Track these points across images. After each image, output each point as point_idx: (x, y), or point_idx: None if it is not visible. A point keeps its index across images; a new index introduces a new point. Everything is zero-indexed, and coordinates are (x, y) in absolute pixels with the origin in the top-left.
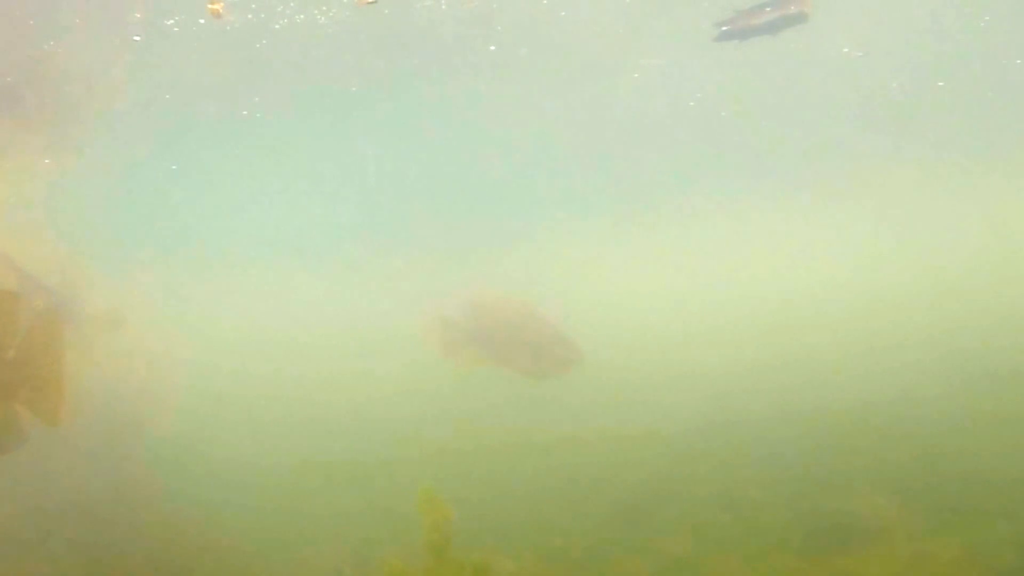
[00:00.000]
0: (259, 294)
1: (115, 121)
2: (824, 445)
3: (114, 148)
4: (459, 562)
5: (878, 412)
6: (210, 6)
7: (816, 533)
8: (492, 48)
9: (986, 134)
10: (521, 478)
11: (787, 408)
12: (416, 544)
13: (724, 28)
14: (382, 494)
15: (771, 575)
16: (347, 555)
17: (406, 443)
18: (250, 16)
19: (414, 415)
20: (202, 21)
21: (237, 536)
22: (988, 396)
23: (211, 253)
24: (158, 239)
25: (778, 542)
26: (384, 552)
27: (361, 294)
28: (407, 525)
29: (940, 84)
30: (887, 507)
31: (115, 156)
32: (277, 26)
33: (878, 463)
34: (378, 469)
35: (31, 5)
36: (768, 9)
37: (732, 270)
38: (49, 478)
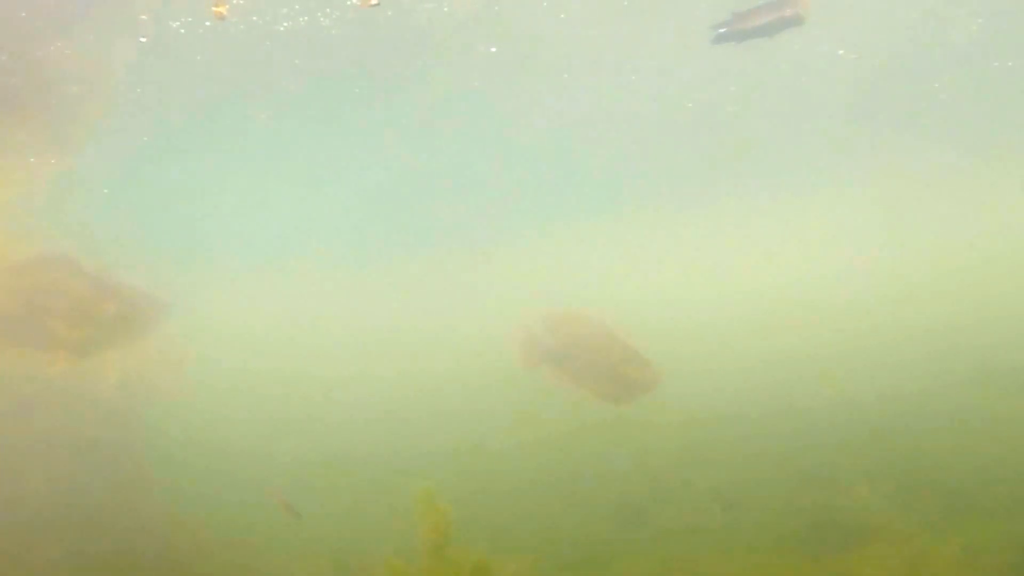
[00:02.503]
0: (262, 295)
1: (120, 122)
2: (823, 443)
3: (119, 149)
4: (458, 562)
5: (877, 410)
6: (214, 8)
7: (816, 532)
8: (493, 49)
9: (980, 135)
10: (521, 477)
11: (787, 406)
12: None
13: (721, 31)
14: (382, 493)
15: (771, 574)
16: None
17: (408, 442)
18: (255, 18)
19: (416, 414)
20: (208, 23)
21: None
22: (988, 394)
23: (211, 255)
24: (162, 240)
25: (777, 541)
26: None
27: (362, 296)
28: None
29: (935, 86)
30: (886, 506)
31: (119, 157)
32: (281, 28)
33: (877, 461)
34: (376, 468)
35: (38, 6)
36: (764, 12)
37: (726, 270)
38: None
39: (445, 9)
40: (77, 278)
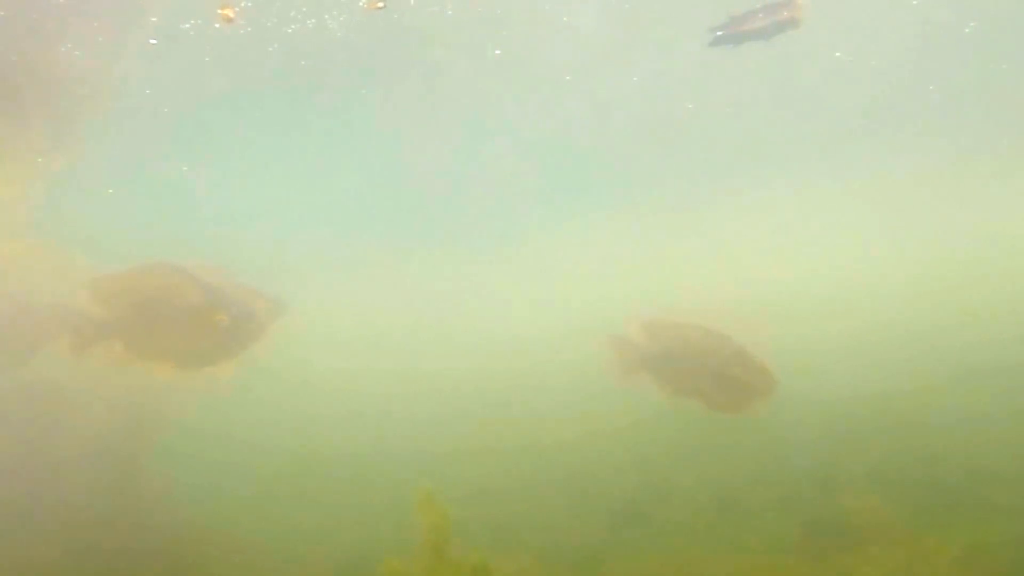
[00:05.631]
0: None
1: (128, 123)
2: (822, 442)
3: (126, 150)
4: (458, 562)
5: (876, 408)
6: (221, 11)
7: (815, 532)
8: (497, 52)
9: (975, 136)
10: (522, 478)
11: (784, 404)
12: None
13: (718, 33)
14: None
15: (771, 575)
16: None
17: (405, 441)
18: (263, 21)
19: (412, 414)
20: (217, 25)
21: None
22: (988, 392)
23: (216, 256)
24: (170, 241)
25: (777, 542)
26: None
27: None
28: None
29: (931, 87)
30: (886, 506)
31: (126, 158)
32: (289, 30)
33: (877, 460)
34: (370, 468)
35: (49, 7)
36: (761, 15)
37: (726, 267)
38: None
39: (449, 12)
40: (188, 286)
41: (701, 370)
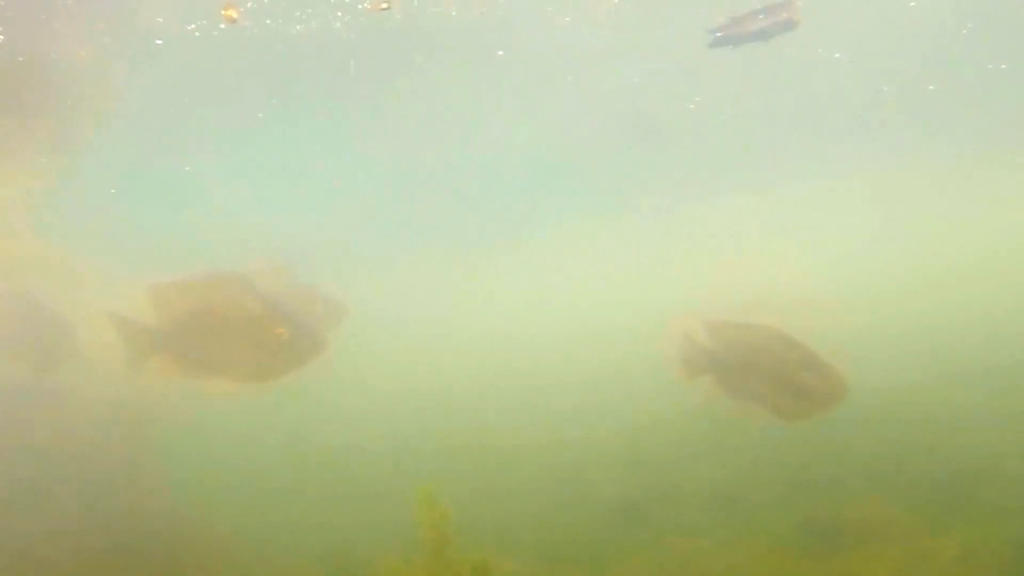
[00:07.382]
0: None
1: (132, 123)
2: (820, 441)
3: (129, 150)
4: (458, 562)
5: (874, 408)
6: (224, 12)
7: (815, 531)
8: (500, 53)
9: (974, 135)
10: (522, 478)
11: None
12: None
13: (718, 34)
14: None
15: (771, 574)
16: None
17: (409, 440)
18: (268, 22)
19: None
20: (223, 26)
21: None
22: (988, 391)
23: (219, 257)
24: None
25: (777, 542)
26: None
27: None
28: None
29: (930, 88)
30: (886, 505)
31: (130, 158)
32: (294, 31)
33: (876, 459)
34: (367, 467)
35: (55, 8)
36: (761, 16)
37: (728, 269)
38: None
39: (453, 13)
40: (248, 298)
41: (768, 374)
